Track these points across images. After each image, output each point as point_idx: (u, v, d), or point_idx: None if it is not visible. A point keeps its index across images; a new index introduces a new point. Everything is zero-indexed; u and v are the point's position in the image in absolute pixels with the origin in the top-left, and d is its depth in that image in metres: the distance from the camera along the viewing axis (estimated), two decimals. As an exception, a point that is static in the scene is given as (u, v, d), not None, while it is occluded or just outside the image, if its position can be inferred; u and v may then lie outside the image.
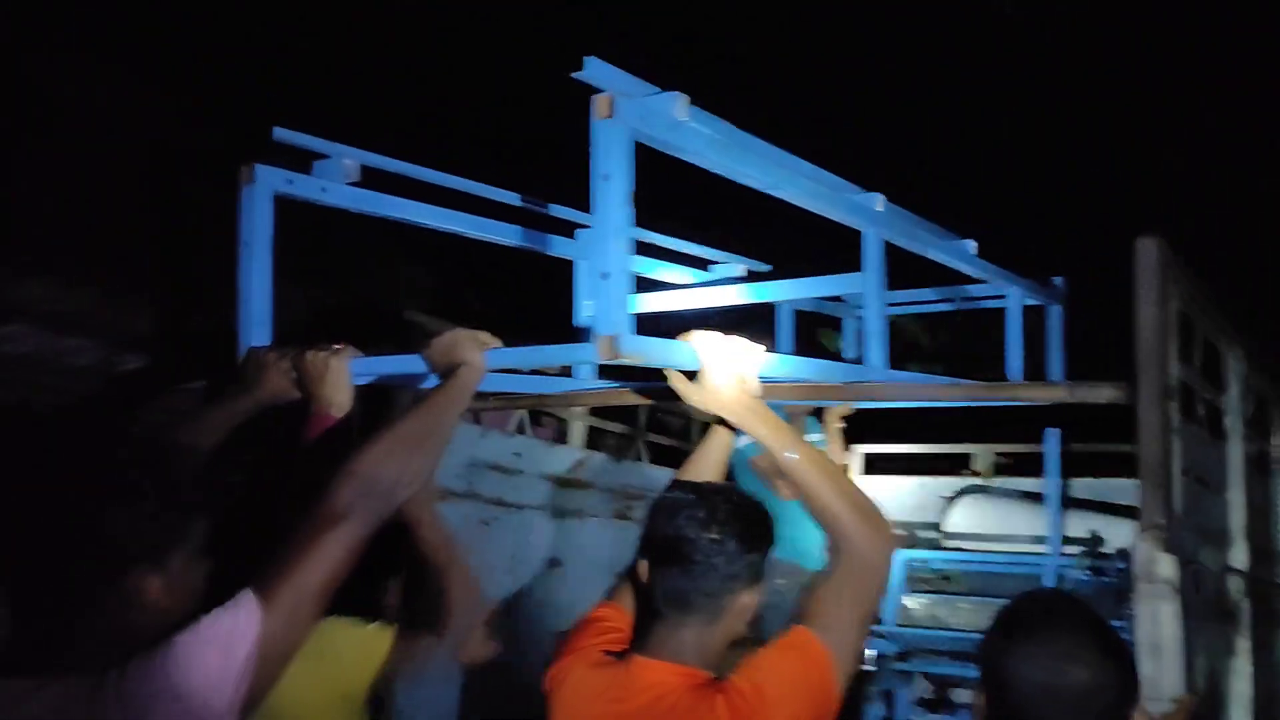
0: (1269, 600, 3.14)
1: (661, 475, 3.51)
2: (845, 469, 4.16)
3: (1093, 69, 6.57)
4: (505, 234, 2.59)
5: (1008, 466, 5.57)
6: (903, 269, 2.68)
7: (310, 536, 1.47)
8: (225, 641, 1.37)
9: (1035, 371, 3.20)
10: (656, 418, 4.82)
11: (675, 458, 4.78)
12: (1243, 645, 2.64)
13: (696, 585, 1.69)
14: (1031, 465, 5.40)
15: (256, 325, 2.16)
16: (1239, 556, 2.68)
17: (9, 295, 3.07)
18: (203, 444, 1.98)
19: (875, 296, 2.35)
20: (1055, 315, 3.35)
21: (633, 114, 1.68)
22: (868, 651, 4.27)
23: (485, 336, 1.89)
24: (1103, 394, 2.36)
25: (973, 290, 3.37)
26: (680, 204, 3.03)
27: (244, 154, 2.15)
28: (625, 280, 1.68)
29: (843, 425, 4.30)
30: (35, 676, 1.31)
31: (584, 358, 1.85)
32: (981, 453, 5.43)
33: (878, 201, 2.36)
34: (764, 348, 1.88)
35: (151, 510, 1.41)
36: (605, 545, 4.19)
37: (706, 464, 2.01)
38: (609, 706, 1.70)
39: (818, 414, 4.24)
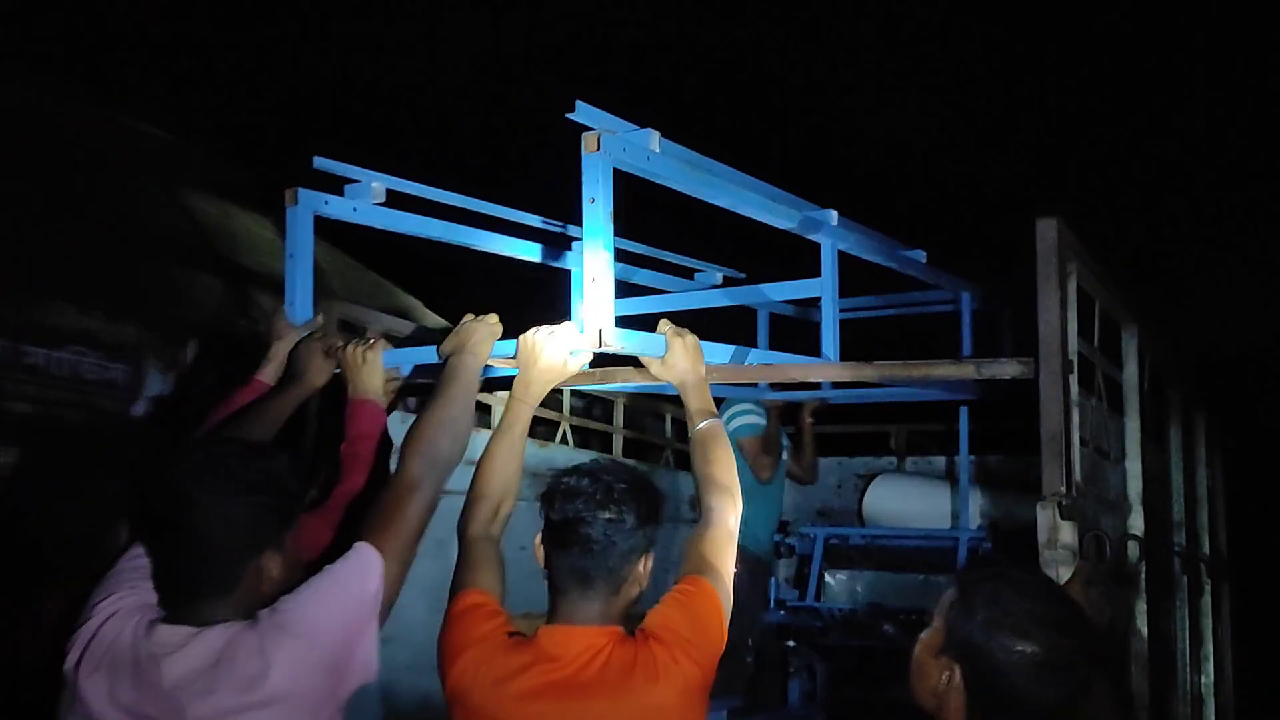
0: (1164, 566, 3.30)
1: (583, 457, 3.55)
2: (775, 458, 4.41)
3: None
4: (511, 248, 2.96)
5: (924, 446, 5.72)
6: (870, 281, 2.99)
7: (396, 501, 1.84)
8: (359, 579, 1.72)
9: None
10: (579, 405, 4.86)
11: (602, 441, 4.83)
12: (1140, 608, 2.77)
13: (598, 563, 1.80)
14: (946, 445, 5.56)
15: (299, 322, 2.52)
16: (1137, 524, 2.82)
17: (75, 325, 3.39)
18: (271, 431, 2.24)
19: (830, 299, 2.69)
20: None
21: (615, 148, 2.07)
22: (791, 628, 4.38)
23: (493, 319, 2.20)
24: (1007, 369, 2.46)
25: (927, 296, 3.78)
26: (682, 226, 3.43)
27: (286, 181, 2.54)
28: (609, 284, 2.08)
29: (812, 420, 4.71)
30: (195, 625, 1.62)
31: (580, 345, 2.16)
32: (897, 431, 5.56)
33: (832, 217, 2.70)
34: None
35: (267, 500, 1.68)
36: (530, 527, 4.20)
37: (505, 455, 2.12)
38: (540, 680, 1.75)
39: (790, 412, 4.66)
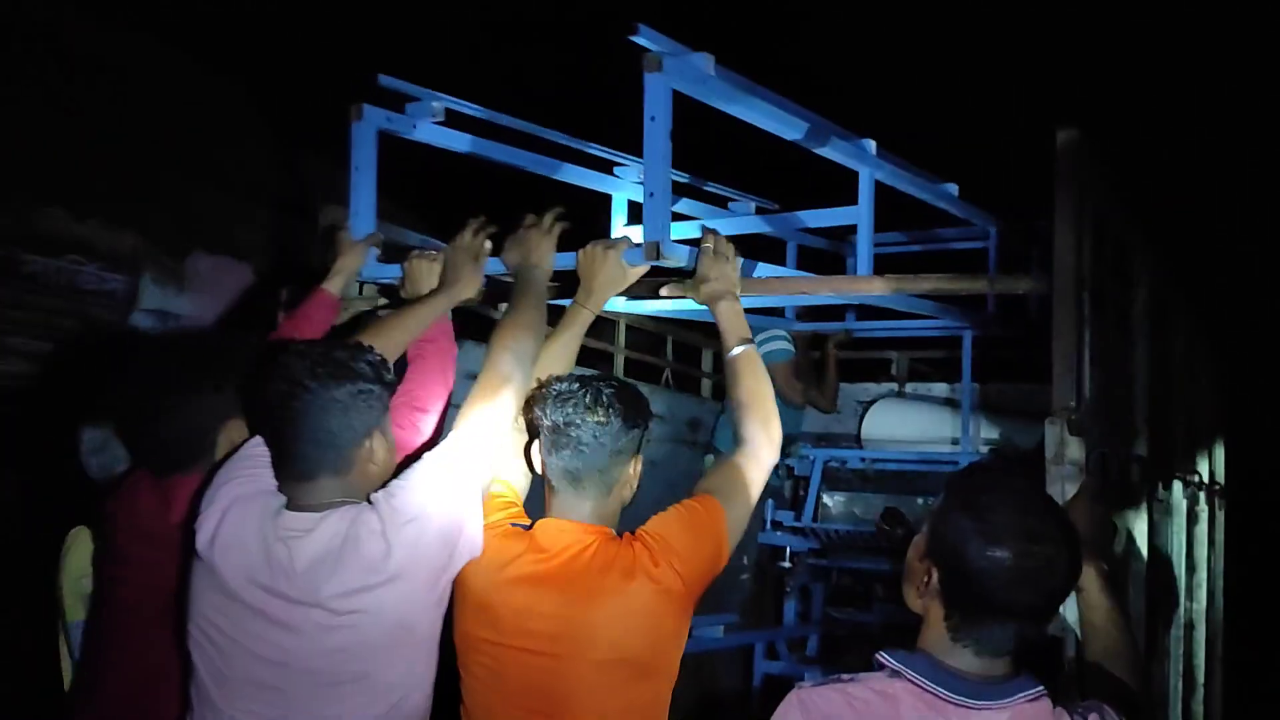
0: (1166, 489, 3.31)
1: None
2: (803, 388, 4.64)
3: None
4: (558, 171, 3.12)
5: (925, 374, 5.71)
6: (895, 220, 3.14)
7: (490, 391, 2.01)
8: (465, 464, 1.90)
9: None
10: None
11: (595, 360, 4.82)
12: (1140, 529, 2.79)
13: (588, 464, 1.92)
14: (947, 373, 5.55)
15: (362, 235, 2.69)
16: (1142, 445, 2.81)
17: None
18: (413, 337, 2.36)
19: (866, 226, 2.77)
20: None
21: (674, 69, 2.19)
22: (787, 549, 4.42)
23: (548, 223, 2.37)
24: (1021, 285, 2.44)
25: (956, 233, 3.96)
26: (712, 159, 3.49)
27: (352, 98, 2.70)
28: (667, 198, 2.24)
29: (836, 352, 4.90)
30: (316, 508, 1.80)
31: (634, 260, 2.30)
32: (898, 358, 5.55)
33: (871, 146, 2.81)
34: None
35: (370, 388, 1.86)
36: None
37: (564, 344, 2.28)
38: (532, 568, 1.87)
39: (815, 343, 4.88)
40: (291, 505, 1.82)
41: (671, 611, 1.86)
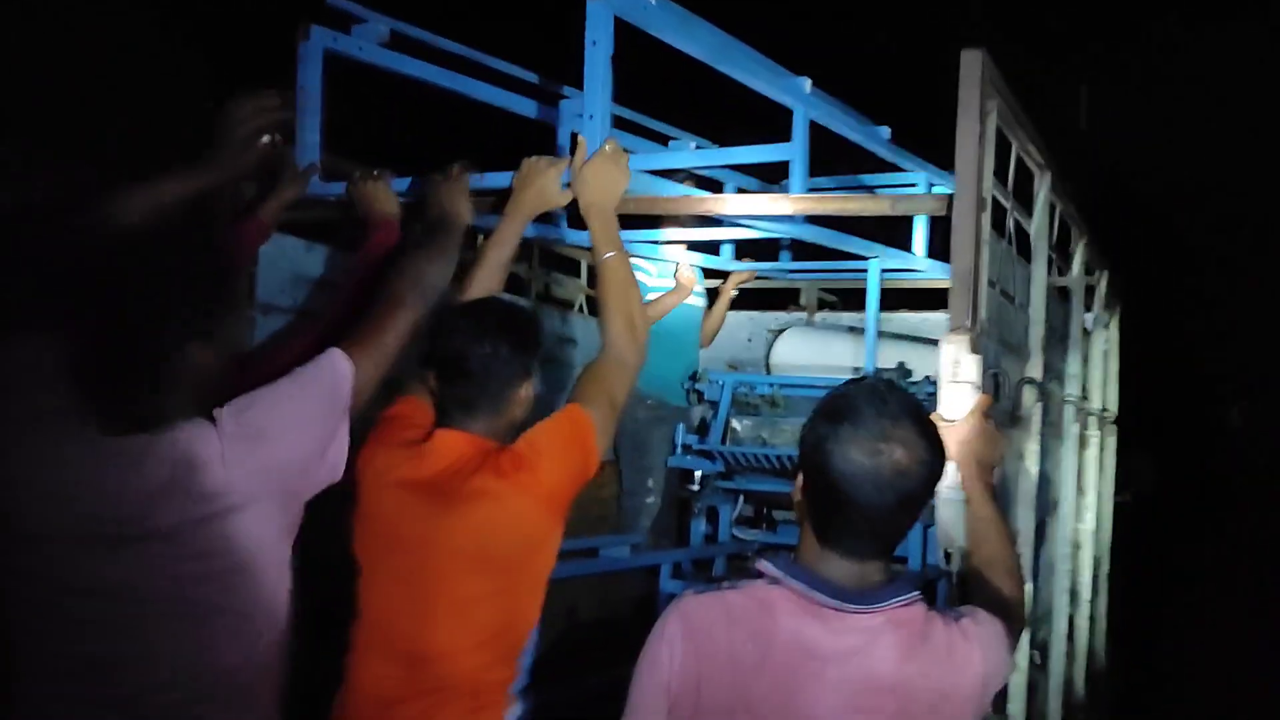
0: (1057, 414, 3.42)
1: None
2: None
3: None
4: (501, 99, 3.15)
5: (832, 304, 5.79)
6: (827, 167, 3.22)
7: (381, 316, 1.95)
8: (330, 385, 1.77)
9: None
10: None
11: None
12: (1031, 449, 2.87)
13: (478, 391, 1.99)
14: (852, 303, 5.63)
15: (309, 155, 2.73)
16: (1035, 369, 2.88)
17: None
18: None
19: (800, 164, 2.77)
20: None
21: None
22: (696, 472, 4.46)
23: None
24: (922, 205, 2.46)
25: (887, 179, 3.98)
26: (656, 97, 3.62)
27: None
28: (606, 122, 2.31)
29: (735, 293, 4.95)
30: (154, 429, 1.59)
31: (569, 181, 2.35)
32: (807, 288, 5.61)
33: (805, 84, 2.85)
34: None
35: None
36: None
37: (493, 255, 2.36)
38: (413, 473, 1.96)
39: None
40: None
41: (536, 517, 1.94)
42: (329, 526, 1.92)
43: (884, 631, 1.52)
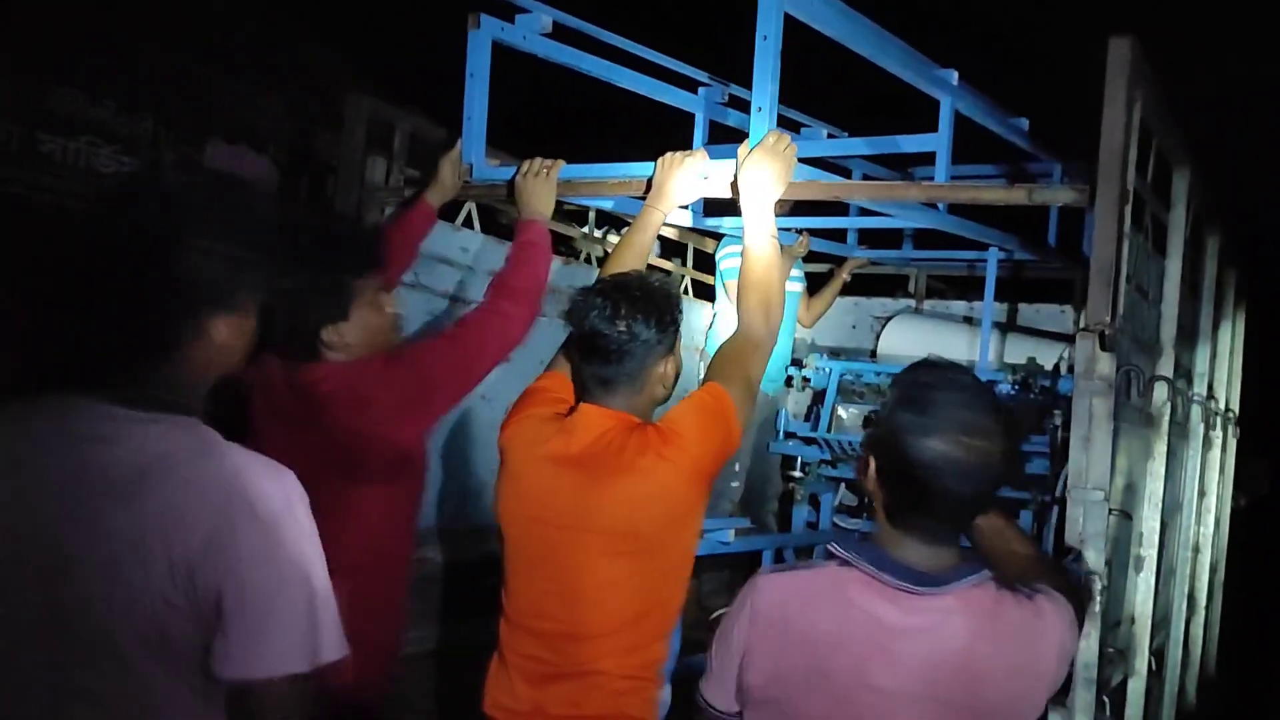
0: (1185, 412, 3.31)
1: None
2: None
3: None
4: (652, 89, 3.27)
5: (942, 291, 5.68)
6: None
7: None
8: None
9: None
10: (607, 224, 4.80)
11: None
12: (1160, 449, 2.79)
13: (618, 370, 2.01)
14: (964, 290, 5.52)
15: (476, 138, 2.90)
16: (1166, 367, 2.80)
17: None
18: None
19: (944, 154, 2.85)
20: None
21: None
22: (799, 459, 4.44)
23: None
24: (1062, 196, 2.40)
25: (1026, 168, 3.91)
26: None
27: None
28: (773, 113, 2.36)
29: (848, 279, 5.01)
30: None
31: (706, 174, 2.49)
32: (916, 275, 5.51)
33: (953, 76, 2.91)
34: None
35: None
36: (551, 344, 4.22)
37: (637, 240, 2.45)
38: (559, 448, 1.99)
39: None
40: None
41: (682, 493, 1.95)
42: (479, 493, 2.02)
43: (954, 611, 1.55)
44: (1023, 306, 5.14)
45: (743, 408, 2.04)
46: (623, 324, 1.98)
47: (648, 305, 2.01)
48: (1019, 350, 4.44)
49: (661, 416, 2.02)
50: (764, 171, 2.29)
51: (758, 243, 2.26)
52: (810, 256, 4.76)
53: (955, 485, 1.55)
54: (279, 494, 1.36)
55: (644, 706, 1.98)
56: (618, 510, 1.93)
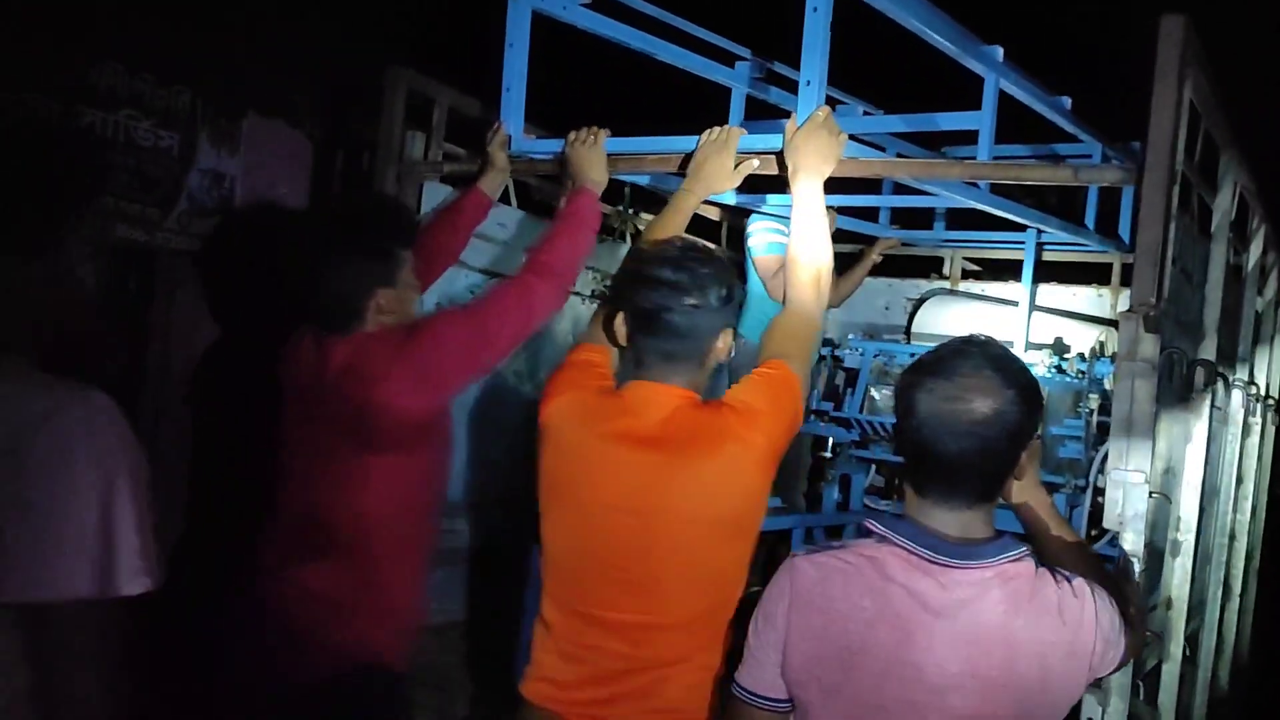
0: (1225, 397, 3.28)
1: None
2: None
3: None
4: (689, 63, 3.21)
5: (976, 274, 5.63)
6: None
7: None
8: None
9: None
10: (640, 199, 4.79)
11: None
12: (1199, 433, 2.76)
13: (683, 345, 1.92)
14: (999, 273, 5.46)
15: (515, 110, 2.89)
16: (1209, 350, 2.77)
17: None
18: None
19: (988, 132, 2.80)
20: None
21: None
22: (830, 439, 4.44)
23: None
24: (1108, 175, 2.38)
25: (1058, 150, 3.87)
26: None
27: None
28: (822, 88, 2.33)
29: (879, 259, 4.84)
30: None
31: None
32: (952, 256, 5.47)
33: (998, 53, 2.85)
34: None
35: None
36: (585, 322, 4.24)
37: (672, 222, 2.35)
38: (622, 427, 1.89)
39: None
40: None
41: (759, 472, 1.88)
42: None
43: (993, 585, 1.54)
44: (1059, 289, 5.09)
45: (805, 385, 2.00)
46: (694, 297, 1.89)
47: (715, 277, 1.92)
48: (1057, 333, 4.40)
49: (732, 393, 1.93)
50: (816, 148, 2.25)
51: (809, 221, 2.19)
52: (838, 235, 4.71)
53: (953, 444, 1.55)
54: (78, 414, 1.32)
55: (714, 696, 1.89)
56: (700, 494, 1.83)
